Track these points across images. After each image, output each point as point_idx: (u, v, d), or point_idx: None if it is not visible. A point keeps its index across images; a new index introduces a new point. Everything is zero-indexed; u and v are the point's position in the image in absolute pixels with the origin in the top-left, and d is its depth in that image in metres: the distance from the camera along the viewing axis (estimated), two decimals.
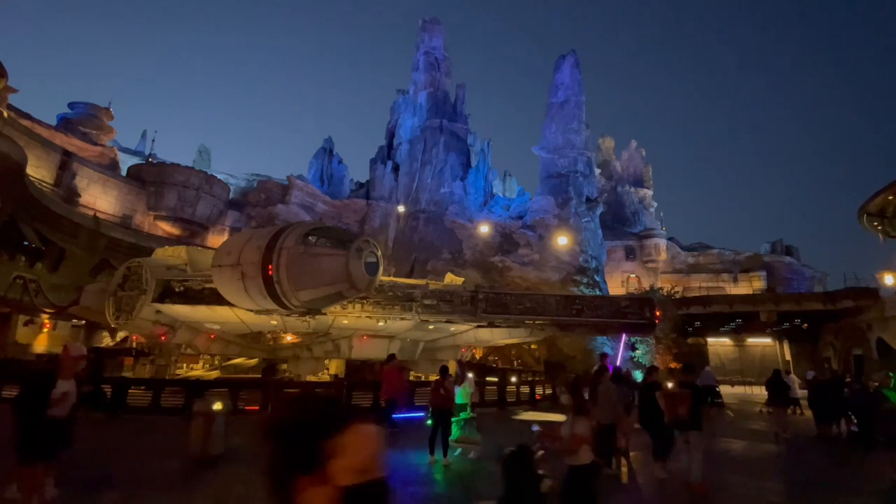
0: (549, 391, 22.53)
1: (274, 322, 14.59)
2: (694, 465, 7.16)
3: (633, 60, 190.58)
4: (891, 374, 14.32)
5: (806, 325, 34.92)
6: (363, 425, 1.06)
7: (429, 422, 8.43)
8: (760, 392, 21.46)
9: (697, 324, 36.39)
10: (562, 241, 38.29)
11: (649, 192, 58.03)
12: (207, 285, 13.79)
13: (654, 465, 7.99)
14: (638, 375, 33.15)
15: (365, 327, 15.75)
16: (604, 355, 12.46)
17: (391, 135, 51.61)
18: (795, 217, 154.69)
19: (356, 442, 1.03)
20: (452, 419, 8.94)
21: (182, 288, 14.71)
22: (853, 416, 12.63)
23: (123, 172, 37.40)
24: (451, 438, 9.12)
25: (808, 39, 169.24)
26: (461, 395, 9.58)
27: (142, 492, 6.59)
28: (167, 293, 14.74)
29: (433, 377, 15.74)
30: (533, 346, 31.75)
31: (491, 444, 9.05)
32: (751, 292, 43.60)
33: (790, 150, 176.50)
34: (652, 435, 8.15)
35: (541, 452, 3.50)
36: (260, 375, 17.65)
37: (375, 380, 16.69)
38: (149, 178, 36.32)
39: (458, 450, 9.03)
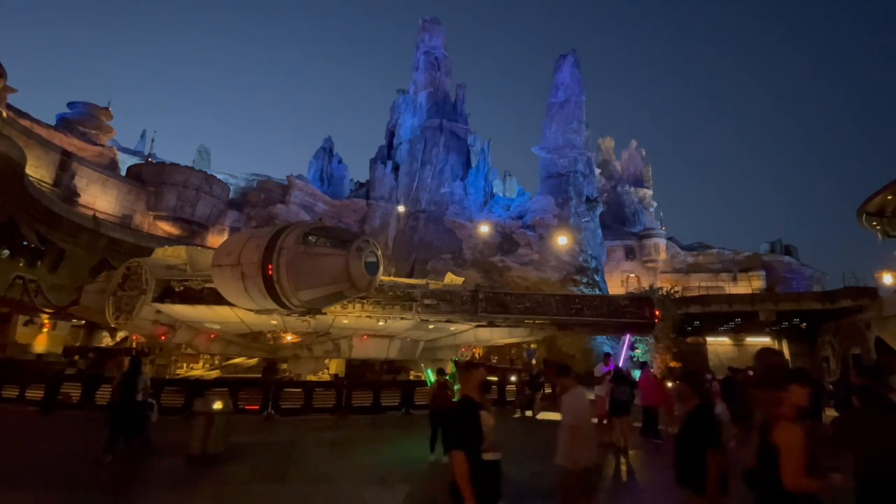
0: (548, 391, 22.54)
1: (274, 322, 14.60)
2: None
3: (633, 60, 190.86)
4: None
5: (805, 324, 34.96)
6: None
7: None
8: None
9: (697, 323, 36.42)
10: (562, 240, 38.34)
11: (649, 192, 58.08)
12: (207, 285, 13.79)
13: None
14: (638, 375, 33.27)
15: (365, 327, 15.76)
16: (607, 355, 12.52)
17: (391, 135, 51.62)
18: (795, 217, 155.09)
19: None
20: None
21: (182, 288, 14.70)
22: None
23: (123, 172, 37.41)
24: None
25: (808, 40, 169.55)
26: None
27: (142, 490, 6.63)
28: (167, 293, 14.74)
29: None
30: (533, 346, 31.80)
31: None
32: (750, 292, 43.64)
33: (790, 151, 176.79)
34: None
35: None
36: (260, 375, 17.65)
37: (375, 380, 16.76)
38: (148, 178, 36.36)
39: None
